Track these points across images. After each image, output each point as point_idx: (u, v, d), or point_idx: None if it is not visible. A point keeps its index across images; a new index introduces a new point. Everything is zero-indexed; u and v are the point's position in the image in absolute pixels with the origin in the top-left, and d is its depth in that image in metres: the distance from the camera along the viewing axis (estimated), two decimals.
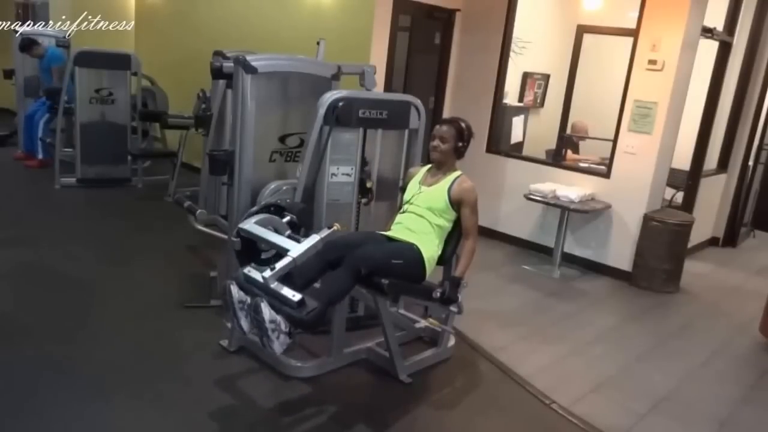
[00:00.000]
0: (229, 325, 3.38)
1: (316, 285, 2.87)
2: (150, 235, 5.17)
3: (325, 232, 2.82)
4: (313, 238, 2.80)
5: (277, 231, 2.99)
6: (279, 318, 2.56)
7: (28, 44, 6.87)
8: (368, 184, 3.34)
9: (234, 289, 2.73)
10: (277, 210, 3.15)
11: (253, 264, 2.88)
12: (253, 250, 3.01)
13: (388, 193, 3.50)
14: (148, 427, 2.65)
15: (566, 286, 4.99)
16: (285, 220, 3.12)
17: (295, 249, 2.75)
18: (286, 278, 2.71)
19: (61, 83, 6.32)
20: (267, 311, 2.54)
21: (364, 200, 3.37)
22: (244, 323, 2.68)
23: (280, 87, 3.44)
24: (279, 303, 2.60)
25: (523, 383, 3.32)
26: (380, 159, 3.38)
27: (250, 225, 2.95)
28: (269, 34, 6.10)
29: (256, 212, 3.10)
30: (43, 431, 2.55)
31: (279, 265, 2.69)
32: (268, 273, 2.67)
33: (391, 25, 5.27)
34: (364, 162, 3.32)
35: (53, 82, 6.74)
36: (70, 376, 2.94)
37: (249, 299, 2.68)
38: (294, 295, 2.61)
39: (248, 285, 2.74)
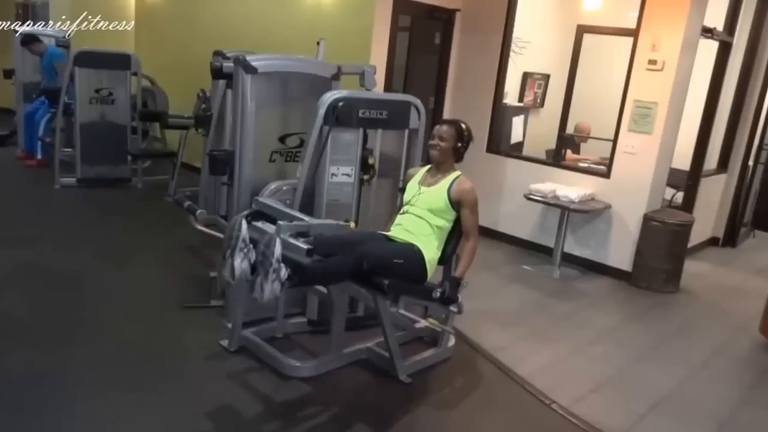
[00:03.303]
0: (229, 325, 3.39)
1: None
2: (150, 235, 5.17)
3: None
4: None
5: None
6: (283, 265, 2.56)
7: (30, 40, 6.86)
8: (370, 161, 3.34)
9: (244, 224, 2.69)
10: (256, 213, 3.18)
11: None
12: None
13: (387, 193, 3.51)
14: (147, 427, 2.65)
15: (566, 286, 4.99)
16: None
17: (312, 220, 2.81)
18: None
19: (64, 79, 6.30)
20: (279, 248, 2.55)
21: (366, 176, 3.36)
22: (238, 264, 2.61)
23: (280, 87, 3.45)
24: (289, 251, 2.64)
25: (523, 383, 3.31)
26: (380, 159, 3.38)
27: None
28: (269, 34, 6.10)
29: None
30: (41, 430, 2.55)
31: (296, 222, 2.74)
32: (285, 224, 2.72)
33: (391, 25, 5.27)
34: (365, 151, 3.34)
35: (57, 79, 6.70)
36: (69, 375, 2.94)
37: (250, 236, 2.67)
38: (304, 244, 2.67)
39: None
